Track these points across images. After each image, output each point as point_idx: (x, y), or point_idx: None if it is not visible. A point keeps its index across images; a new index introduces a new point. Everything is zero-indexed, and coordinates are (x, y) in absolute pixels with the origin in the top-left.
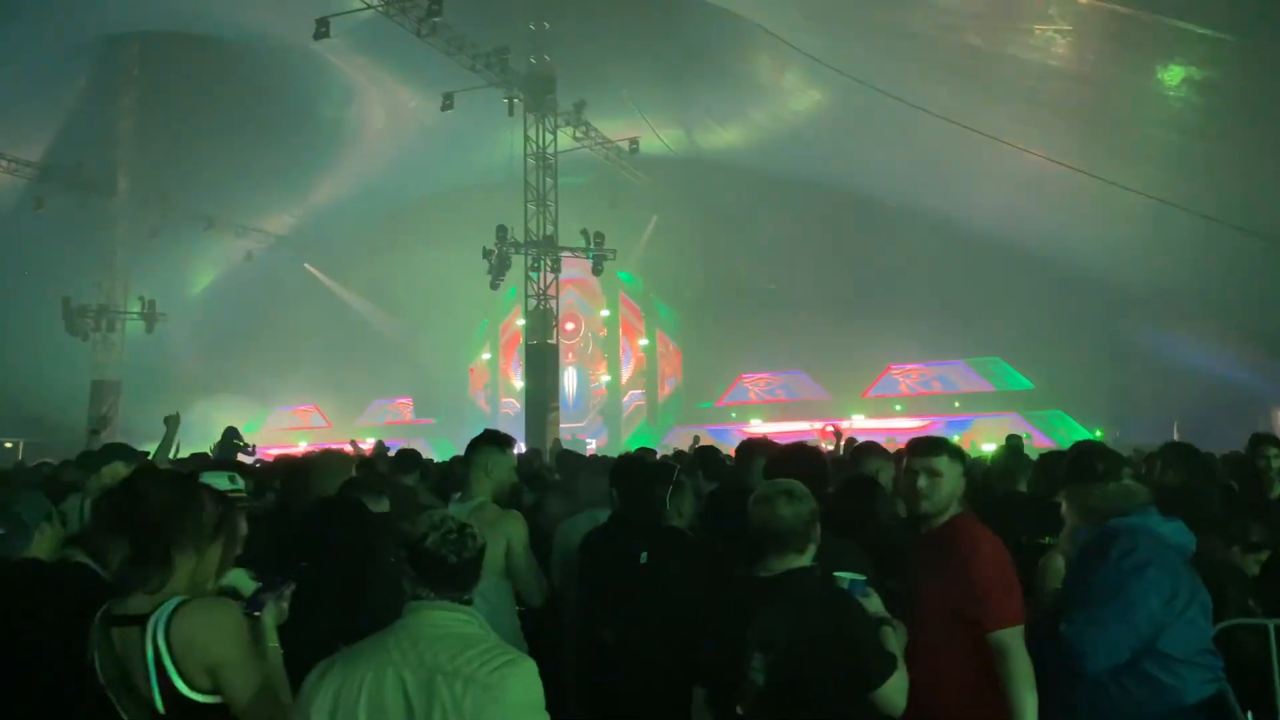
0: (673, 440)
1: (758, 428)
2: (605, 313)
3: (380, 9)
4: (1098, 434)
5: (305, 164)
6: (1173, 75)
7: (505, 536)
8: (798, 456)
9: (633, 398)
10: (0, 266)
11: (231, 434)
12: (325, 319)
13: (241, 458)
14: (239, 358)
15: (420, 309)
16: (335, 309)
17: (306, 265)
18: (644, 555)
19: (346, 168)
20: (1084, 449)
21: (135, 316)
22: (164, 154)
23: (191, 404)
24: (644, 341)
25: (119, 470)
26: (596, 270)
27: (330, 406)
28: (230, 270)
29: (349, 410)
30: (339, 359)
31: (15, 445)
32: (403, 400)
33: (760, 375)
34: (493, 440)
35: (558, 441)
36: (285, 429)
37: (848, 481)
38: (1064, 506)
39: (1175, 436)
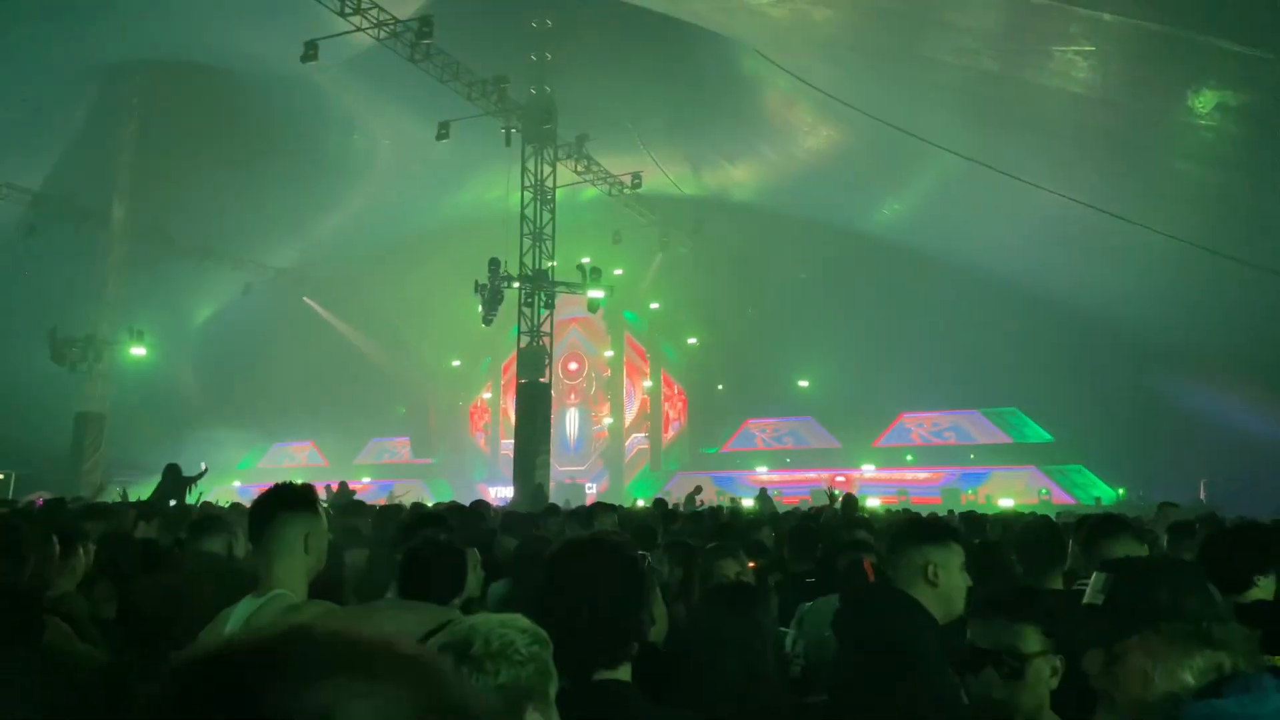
0: (676, 487)
1: (763, 476)
2: (609, 353)
3: (370, 32)
4: (1120, 492)
5: (305, 196)
6: (1205, 101)
7: None
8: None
9: (635, 441)
10: None
11: (173, 471)
12: (324, 354)
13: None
14: (237, 391)
15: (420, 345)
16: (334, 343)
17: (306, 299)
18: None
19: (347, 200)
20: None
21: (125, 346)
22: (161, 184)
23: (188, 436)
24: (648, 383)
25: None
26: (591, 308)
27: (328, 444)
28: (230, 303)
29: (347, 448)
30: (338, 395)
31: (7, 477)
32: (400, 439)
33: (767, 420)
34: (304, 501)
35: (540, 487)
36: (282, 466)
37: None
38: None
39: (1201, 496)
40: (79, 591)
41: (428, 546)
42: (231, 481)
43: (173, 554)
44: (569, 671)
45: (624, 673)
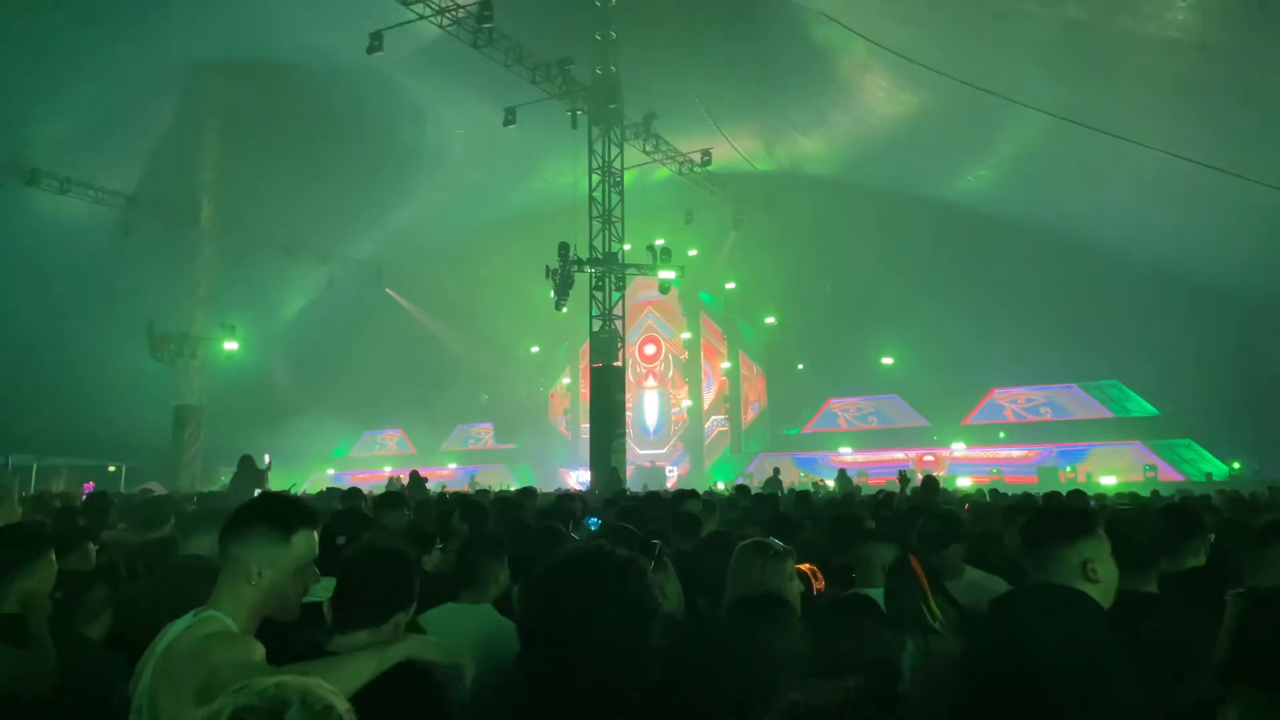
0: (758, 469)
1: (848, 456)
2: (686, 335)
3: (432, 20)
4: (1235, 466)
5: (381, 188)
6: None
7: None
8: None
9: (715, 423)
10: (90, 294)
11: (247, 463)
12: (408, 343)
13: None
14: (327, 382)
15: (500, 333)
16: (417, 333)
17: (388, 290)
18: None
19: (422, 191)
20: None
21: (219, 341)
22: (245, 181)
23: (282, 426)
24: (726, 364)
25: None
26: (663, 289)
27: (416, 431)
28: (316, 296)
29: (433, 435)
30: (423, 384)
31: (118, 469)
32: (484, 425)
33: (850, 400)
34: (266, 522)
35: (615, 471)
36: (373, 453)
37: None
38: None
39: None
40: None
41: (360, 556)
42: (326, 469)
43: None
44: None
45: None
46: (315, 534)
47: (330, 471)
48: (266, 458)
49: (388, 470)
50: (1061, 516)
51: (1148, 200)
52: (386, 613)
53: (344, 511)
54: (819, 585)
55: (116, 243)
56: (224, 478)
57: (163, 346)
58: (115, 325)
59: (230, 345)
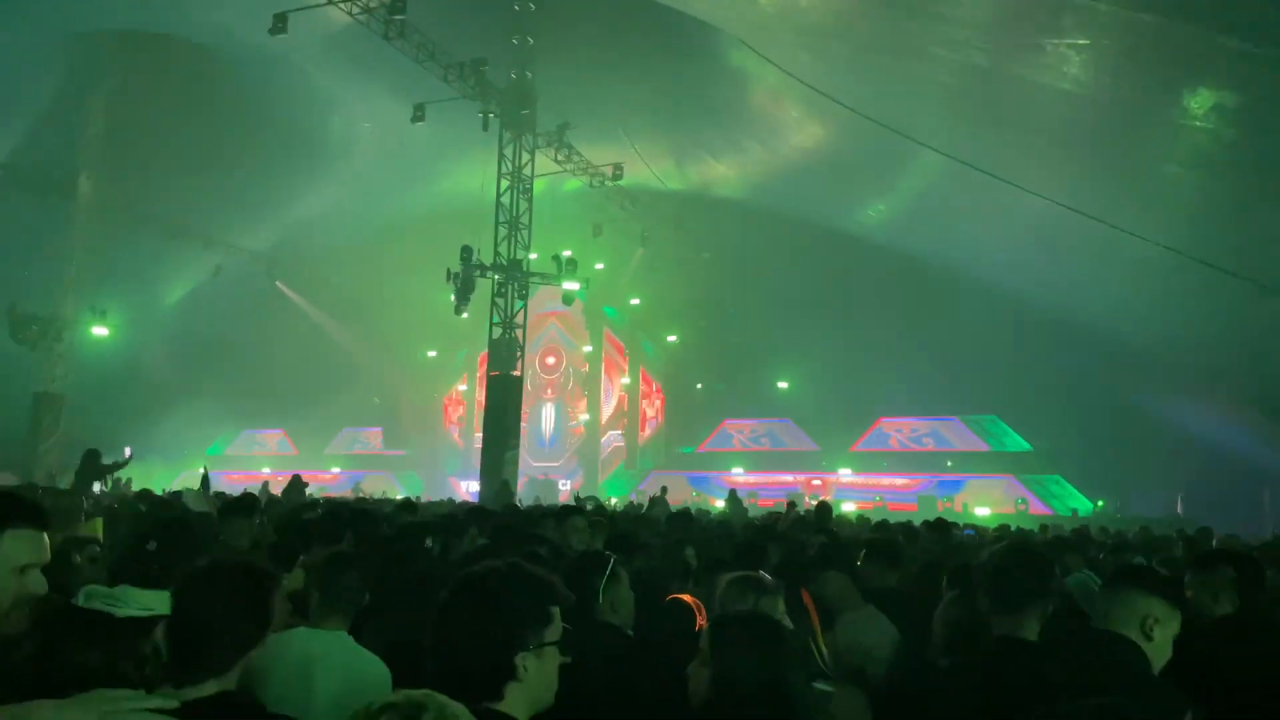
0: (650, 487)
1: (740, 477)
2: (588, 348)
3: (342, 6)
4: (1098, 504)
5: (280, 177)
6: (1200, 101)
7: None
8: None
9: (611, 438)
10: None
11: (90, 457)
12: (297, 340)
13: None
14: (206, 375)
15: (396, 335)
16: (308, 330)
17: (278, 283)
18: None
19: (323, 183)
20: None
21: (87, 325)
22: (131, 159)
23: (153, 420)
24: (626, 380)
25: None
26: (566, 300)
27: (299, 432)
28: (200, 285)
29: (318, 437)
30: (310, 383)
31: None
32: (373, 430)
33: (745, 421)
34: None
35: (506, 484)
36: (252, 453)
37: None
38: None
39: (1179, 510)
40: None
41: (204, 578)
42: (198, 467)
43: None
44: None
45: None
46: (38, 534)
47: (202, 470)
48: (127, 450)
49: (266, 471)
50: (1149, 572)
51: (1033, 244)
52: (241, 650)
53: (166, 517)
54: (701, 620)
55: None
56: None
57: (25, 328)
58: None
59: (100, 330)
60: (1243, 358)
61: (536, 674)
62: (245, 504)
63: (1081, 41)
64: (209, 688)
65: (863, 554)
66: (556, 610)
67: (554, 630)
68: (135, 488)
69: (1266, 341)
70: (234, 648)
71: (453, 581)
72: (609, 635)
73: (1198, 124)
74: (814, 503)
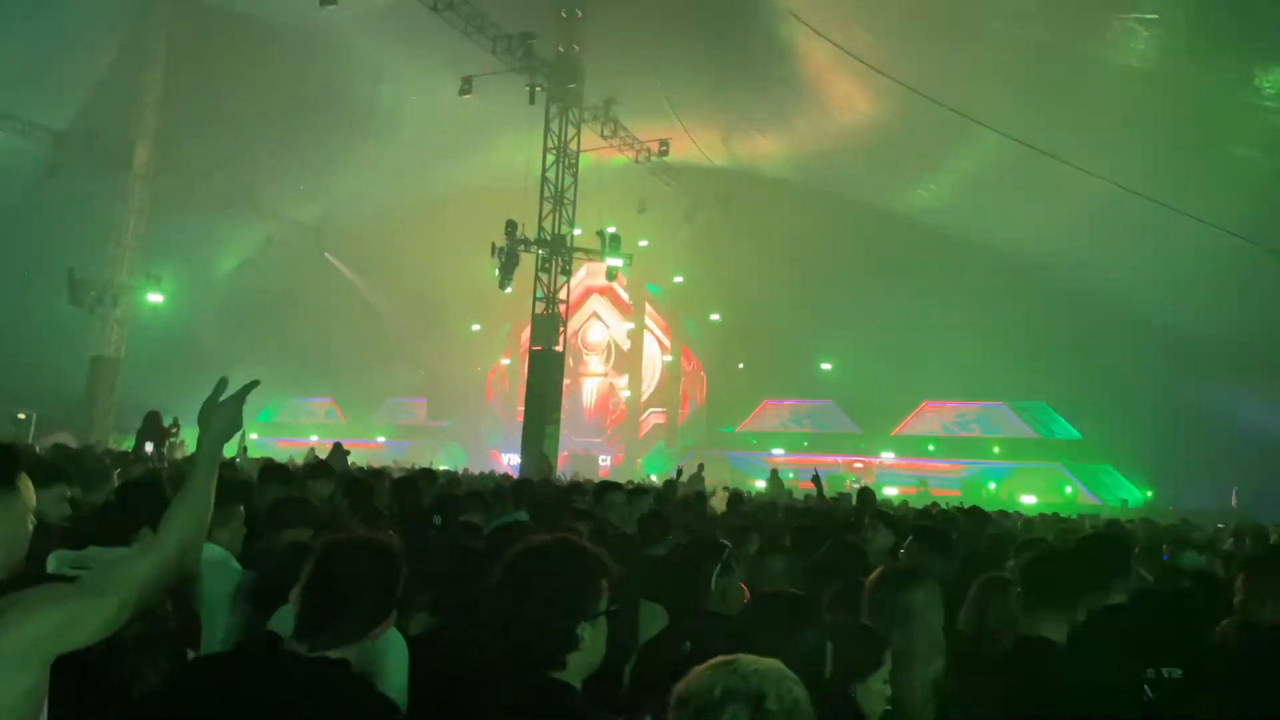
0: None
1: (780, 458)
2: (630, 325)
3: None
4: (1148, 495)
5: (329, 148)
6: (1273, 80)
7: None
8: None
9: (652, 415)
10: (8, 234)
11: (152, 419)
12: (346, 311)
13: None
14: (258, 343)
15: (442, 308)
16: (356, 301)
17: (327, 254)
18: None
19: (372, 156)
20: None
21: (143, 292)
22: (187, 129)
23: (205, 385)
24: (668, 358)
25: None
26: (609, 276)
27: (346, 401)
28: (252, 255)
29: (364, 407)
30: (357, 353)
31: (29, 417)
32: (418, 400)
33: (786, 402)
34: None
35: (545, 458)
36: (300, 421)
37: None
38: None
39: (1233, 504)
40: None
41: (343, 552)
42: (249, 434)
43: None
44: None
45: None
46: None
47: (254, 436)
48: (175, 419)
49: (314, 439)
50: None
51: (1091, 228)
52: (370, 624)
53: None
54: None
55: (41, 181)
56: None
57: (82, 293)
58: (34, 268)
59: (155, 297)
60: None
61: (592, 643)
62: (279, 473)
63: (1150, 16)
64: (334, 651)
65: (909, 541)
66: (605, 582)
67: (604, 600)
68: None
69: None
70: (365, 620)
71: (509, 557)
72: (715, 626)
73: (1268, 104)
74: (854, 485)
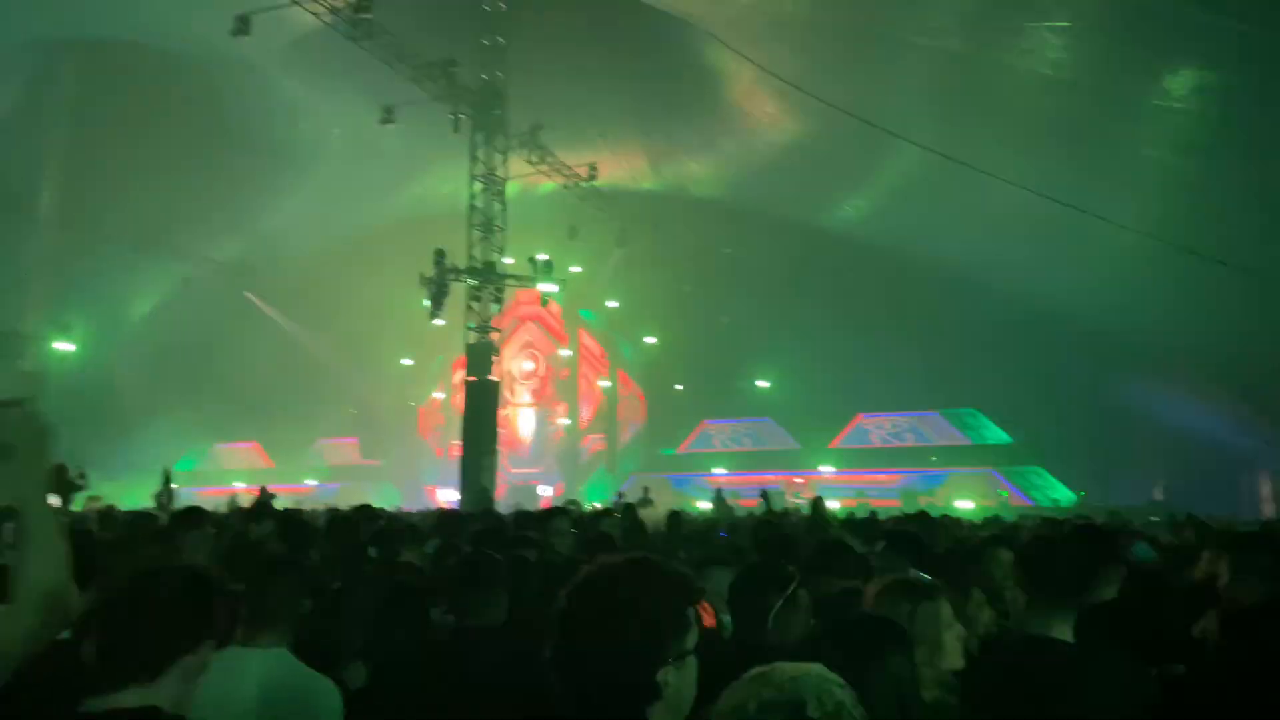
0: (631, 490)
1: (721, 478)
2: (566, 352)
3: (306, 6)
4: (1079, 495)
5: (249, 185)
6: (1181, 82)
7: None
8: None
9: (592, 442)
10: None
11: (58, 473)
12: (269, 351)
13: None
14: (176, 390)
15: (371, 343)
16: (280, 341)
17: (247, 294)
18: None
19: (293, 191)
20: None
21: (51, 340)
22: (95, 170)
23: (121, 436)
24: (605, 383)
25: None
26: (543, 302)
27: (273, 445)
28: (169, 297)
29: (292, 450)
30: (283, 395)
31: None
32: (348, 440)
33: (725, 422)
34: None
35: (485, 490)
36: (225, 468)
37: None
38: None
39: (1158, 498)
40: None
41: (136, 578)
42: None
43: None
44: None
45: None
46: None
47: (173, 487)
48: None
49: (238, 486)
50: None
51: (1011, 235)
52: (167, 658)
53: None
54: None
55: None
56: None
57: None
58: None
59: (64, 345)
60: (1221, 344)
61: (677, 689)
62: (194, 517)
63: (1063, 24)
64: (130, 698)
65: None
66: (693, 613)
67: (694, 635)
68: (107, 505)
69: (1245, 327)
70: (159, 654)
71: (573, 585)
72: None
73: (1177, 105)
74: (797, 500)
